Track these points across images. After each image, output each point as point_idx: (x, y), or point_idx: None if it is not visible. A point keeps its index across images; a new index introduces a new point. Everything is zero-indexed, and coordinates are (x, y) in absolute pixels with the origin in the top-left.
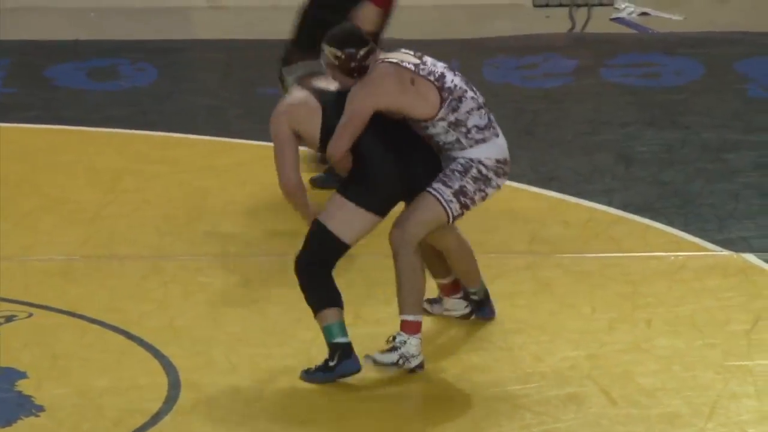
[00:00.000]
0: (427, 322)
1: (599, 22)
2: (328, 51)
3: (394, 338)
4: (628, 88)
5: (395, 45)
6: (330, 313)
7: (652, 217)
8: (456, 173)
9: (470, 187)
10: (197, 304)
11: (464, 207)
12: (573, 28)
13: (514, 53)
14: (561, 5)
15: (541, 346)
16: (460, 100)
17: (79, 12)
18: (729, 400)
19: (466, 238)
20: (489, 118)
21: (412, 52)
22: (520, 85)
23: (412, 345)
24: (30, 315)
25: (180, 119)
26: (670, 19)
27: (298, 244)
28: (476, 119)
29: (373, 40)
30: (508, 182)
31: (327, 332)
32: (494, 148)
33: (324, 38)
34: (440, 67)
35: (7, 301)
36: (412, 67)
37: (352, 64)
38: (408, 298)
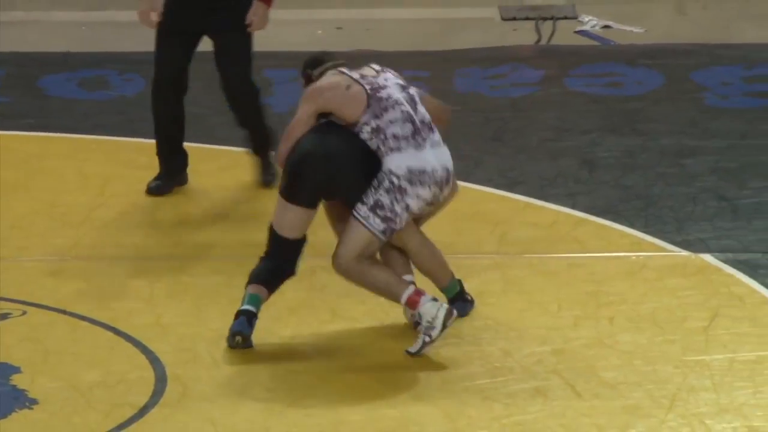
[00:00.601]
0: (401, 319)
1: (564, 35)
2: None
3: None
4: (592, 96)
5: (372, 56)
6: (254, 287)
7: (614, 219)
8: (372, 188)
9: (385, 199)
10: (182, 303)
11: (387, 220)
12: (539, 40)
13: (484, 64)
14: (528, 19)
15: (509, 341)
16: (386, 109)
17: (71, 25)
18: (688, 393)
19: (428, 239)
20: (415, 133)
21: (377, 68)
22: (489, 95)
23: (426, 312)
24: (24, 313)
25: None
26: (631, 32)
27: None
28: (397, 129)
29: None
30: (477, 186)
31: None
32: (408, 158)
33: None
34: (391, 82)
35: (2, 299)
36: (357, 76)
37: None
38: (387, 292)
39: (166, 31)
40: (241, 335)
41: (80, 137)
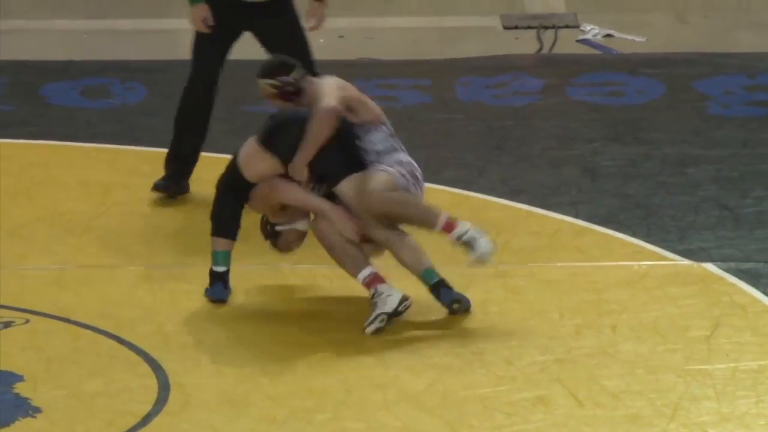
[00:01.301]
0: (402, 327)
1: (566, 44)
2: (263, 84)
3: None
4: (593, 105)
5: (371, 65)
6: (221, 242)
7: (616, 228)
8: (395, 151)
9: (404, 158)
10: (184, 311)
11: (403, 176)
12: (541, 49)
13: (485, 73)
14: (529, 27)
15: (511, 350)
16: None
17: (72, 34)
18: (690, 402)
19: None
20: None
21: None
22: (491, 104)
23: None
24: (27, 321)
25: (167, 135)
26: (632, 41)
27: (280, 255)
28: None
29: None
30: (479, 195)
31: (213, 257)
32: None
33: (257, 74)
34: None
35: (5, 308)
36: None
37: (289, 89)
38: (424, 216)
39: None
40: (222, 302)
41: (82, 145)
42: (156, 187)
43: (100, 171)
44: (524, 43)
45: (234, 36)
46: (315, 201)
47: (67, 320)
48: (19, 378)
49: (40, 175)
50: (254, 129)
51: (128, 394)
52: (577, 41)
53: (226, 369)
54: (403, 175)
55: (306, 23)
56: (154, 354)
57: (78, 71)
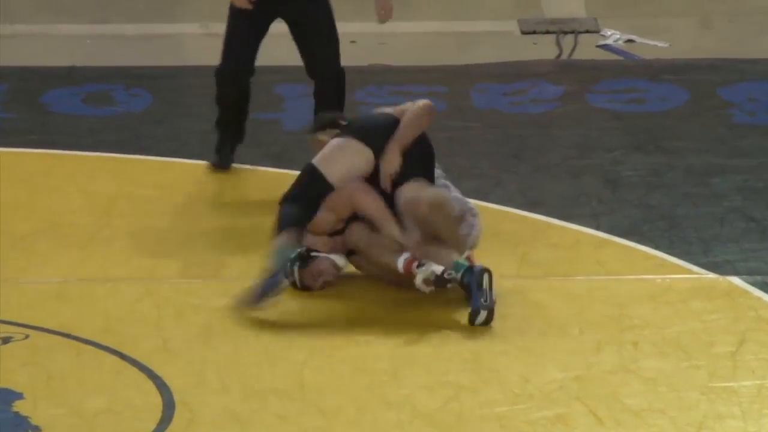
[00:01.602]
0: (416, 344)
1: (586, 49)
2: (326, 136)
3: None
4: (614, 113)
5: (384, 72)
6: (286, 236)
7: (638, 241)
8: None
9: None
10: (190, 326)
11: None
12: (560, 54)
13: (502, 79)
14: (548, 32)
15: (529, 367)
16: None
17: (75, 39)
18: (714, 420)
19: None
20: None
21: None
22: (508, 111)
23: (429, 262)
24: (26, 336)
25: (173, 144)
26: (655, 46)
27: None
28: None
29: None
30: (496, 206)
31: (274, 256)
32: None
33: (313, 130)
34: None
35: (4, 322)
36: None
37: None
38: (385, 255)
39: (242, 15)
40: (276, 293)
41: (85, 154)
42: (214, 165)
43: (103, 181)
44: (543, 49)
45: (268, 21)
46: (391, 221)
47: (69, 336)
48: (19, 396)
49: (41, 185)
50: (262, 136)
51: (131, 412)
52: (598, 47)
53: (232, 386)
54: (458, 200)
55: (376, 16)
56: (159, 371)
57: (81, 77)
